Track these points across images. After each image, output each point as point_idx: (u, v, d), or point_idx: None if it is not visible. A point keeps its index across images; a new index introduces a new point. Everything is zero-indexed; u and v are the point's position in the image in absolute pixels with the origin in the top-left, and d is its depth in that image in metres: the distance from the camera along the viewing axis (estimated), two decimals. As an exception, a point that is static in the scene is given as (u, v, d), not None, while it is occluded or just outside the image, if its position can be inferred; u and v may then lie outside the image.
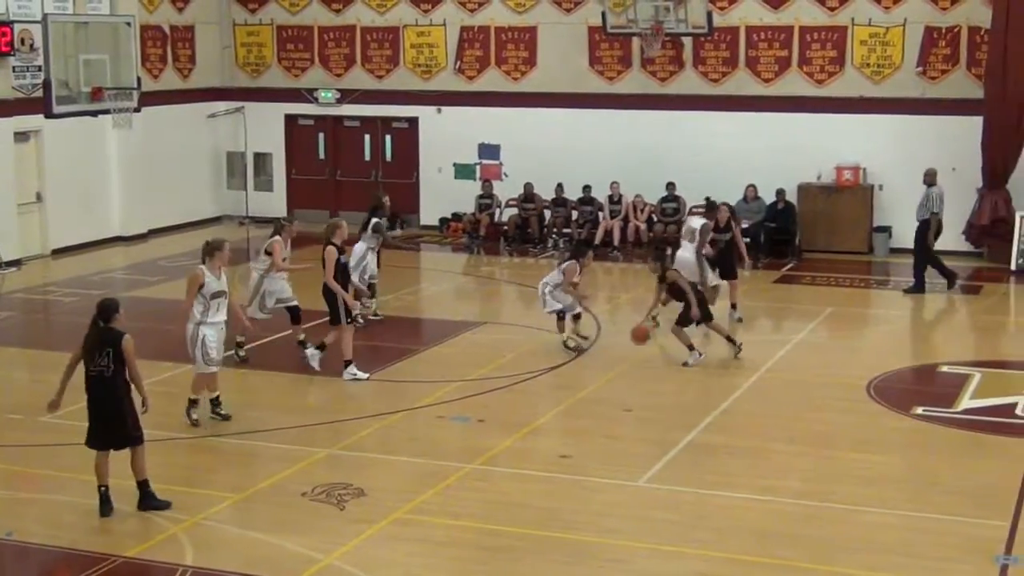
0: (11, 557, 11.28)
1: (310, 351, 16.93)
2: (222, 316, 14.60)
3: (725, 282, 20.00)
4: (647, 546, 11.22)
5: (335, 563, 10.80)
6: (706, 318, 17.64)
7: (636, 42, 27.28)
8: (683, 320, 17.45)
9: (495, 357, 17.69)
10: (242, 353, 17.41)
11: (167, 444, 13.81)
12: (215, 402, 14.78)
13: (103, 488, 11.91)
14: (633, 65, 27.72)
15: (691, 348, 17.37)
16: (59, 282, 23.54)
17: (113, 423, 11.84)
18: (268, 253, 17.41)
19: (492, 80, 28.81)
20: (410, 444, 14.09)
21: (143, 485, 12.01)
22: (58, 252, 26.03)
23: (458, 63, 29.06)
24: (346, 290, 16.48)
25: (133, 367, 11.81)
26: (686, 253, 19.42)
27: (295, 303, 17.58)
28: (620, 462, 13.43)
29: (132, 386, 11.91)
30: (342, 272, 16.52)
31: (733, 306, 20.09)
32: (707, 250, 19.46)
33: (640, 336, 17.39)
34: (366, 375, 16.53)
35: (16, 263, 24.59)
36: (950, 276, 22.40)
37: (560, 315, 18.04)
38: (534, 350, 18.02)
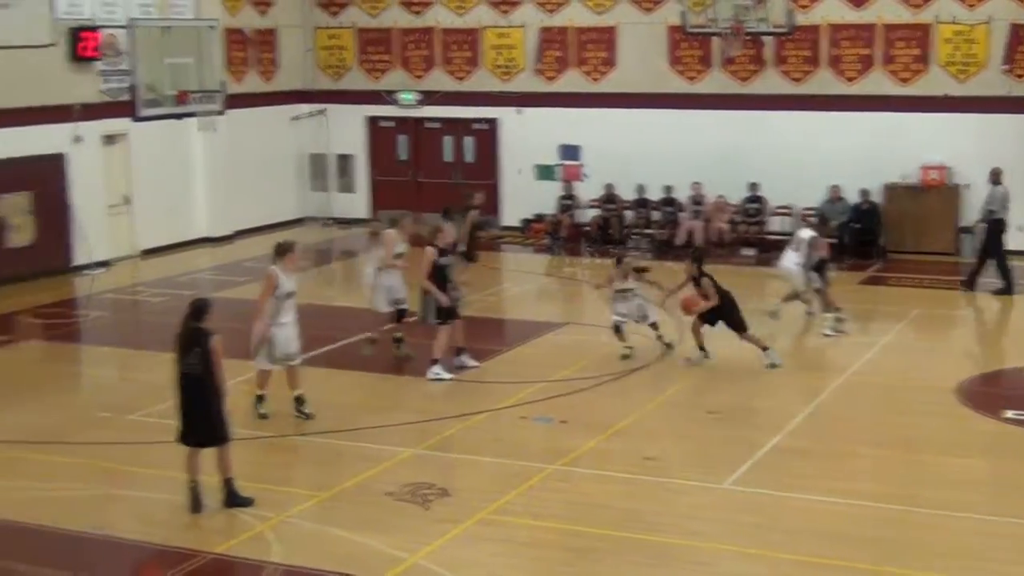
0: (104, 553, 11.48)
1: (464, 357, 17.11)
2: (291, 316, 14.74)
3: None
4: (731, 549, 11.17)
5: (420, 562, 10.87)
6: (739, 328, 17.38)
7: (716, 42, 27.15)
8: (739, 326, 17.33)
9: (578, 358, 17.69)
10: (405, 350, 17.57)
11: (255, 443, 13.97)
12: (299, 400, 14.95)
13: (193, 484, 12.09)
14: (713, 65, 27.60)
15: (702, 348, 17.40)
16: (147, 282, 23.89)
17: (201, 421, 12.02)
18: (384, 245, 17.45)
19: (572, 81, 28.82)
20: (494, 444, 14.14)
21: (227, 483, 12.16)
22: (146, 253, 26.40)
23: (538, 64, 29.09)
24: (444, 292, 16.54)
25: (219, 367, 11.97)
26: (789, 263, 19.39)
27: (405, 306, 17.54)
28: (704, 464, 13.39)
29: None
30: (439, 274, 16.58)
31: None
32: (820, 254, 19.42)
33: (690, 305, 17.41)
34: (449, 375, 16.61)
35: (105, 264, 24.98)
36: (1009, 279, 22.00)
37: (619, 326, 17.81)
38: (617, 351, 17.98)
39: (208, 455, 12.17)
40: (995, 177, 22.10)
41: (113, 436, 14.42)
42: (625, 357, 17.53)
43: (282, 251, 14.80)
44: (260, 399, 14.93)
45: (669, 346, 17.90)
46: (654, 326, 17.89)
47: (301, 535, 11.55)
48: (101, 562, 11.35)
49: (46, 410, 15.76)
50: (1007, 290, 21.94)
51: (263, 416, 14.85)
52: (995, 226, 21.96)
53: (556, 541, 11.41)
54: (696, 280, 17.40)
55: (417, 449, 13.89)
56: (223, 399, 12.07)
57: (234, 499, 12.13)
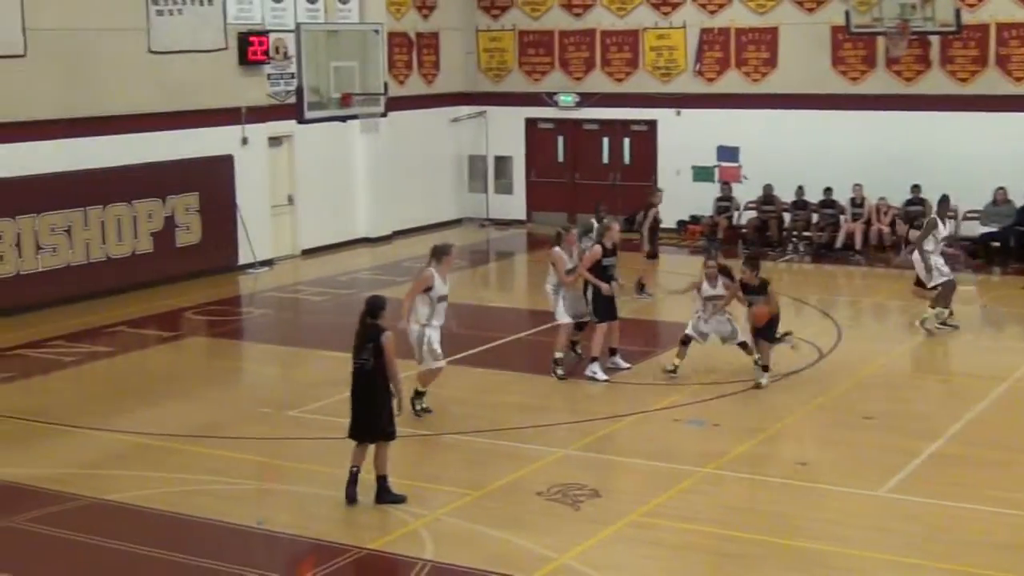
0: (261, 545, 11.76)
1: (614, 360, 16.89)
2: (442, 319, 14.87)
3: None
4: (885, 557, 10.98)
5: (569, 563, 10.90)
6: (772, 339, 16.41)
7: (881, 41, 26.69)
8: (769, 335, 16.36)
9: (731, 361, 17.54)
10: (580, 350, 17.41)
11: (411, 440, 14.17)
12: (419, 395, 15.02)
13: (355, 468, 12.29)
14: (878, 65, 27.12)
15: (766, 369, 16.33)
16: (308, 281, 24.37)
17: (369, 416, 12.21)
18: (554, 265, 17.02)
19: (732, 82, 28.60)
20: (645, 446, 14.12)
21: (381, 480, 12.33)
22: (307, 252, 26.94)
23: (698, 65, 28.93)
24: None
25: (391, 363, 12.14)
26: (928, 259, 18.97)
27: (588, 319, 17.11)
28: (859, 471, 13.19)
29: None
30: (602, 273, 16.57)
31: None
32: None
33: (761, 317, 16.23)
34: (606, 377, 16.62)
35: (268, 263, 25.56)
36: None
37: (685, 340, 16.90)
38: (775, 355, 17.76)
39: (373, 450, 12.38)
40: None
41: (272, 432, 14.77)
42: (670, 373, 16.76)
43: (440, 253, 14.92)
44: (420, 394, 15.05)
45: (765, 369, 16.36)
46: (744, 347, 16.82)
47: (453, 533, 11.68)
48: (257, 555, 11.61)
49: (208, 405, 16.21)
50: None
51: (425, 411, 15.02)
52: None
53: (707, 545, 11.36)
54: (757, 288, 16.36)
55: (568, 450, 13.94)
56: (393, 395, 12.22)
57: (386, 496, 12.30)
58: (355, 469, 12.31)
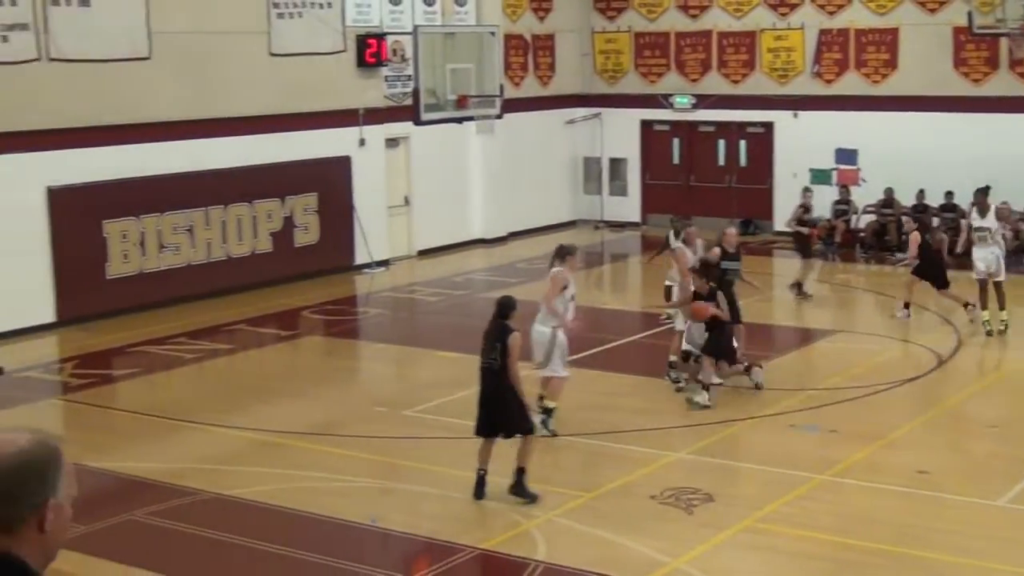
0: (374, 543, 11.88)
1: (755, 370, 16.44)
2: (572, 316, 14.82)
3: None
4: (1006, 569, 10.77)
5: (682, 567, 10.85)
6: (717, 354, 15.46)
7: (1004, 43, 26.15)
8: (714, 349, 15.41)
9: (849, 366, 17.33)
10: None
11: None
12: (548, 412, 14.45)
13: (481, 471, 12.35)
14: (1000, 66, 26.57)
15: (705, 388, 15.36)
16: (423, 282, 24.54)
17: (498, 414, 12.29)
18: (676, 261, 17.09)
19: (851, 83, 28.23)
20: (760, 452, 14.00)
21: (519, 471, 12.33)
22: (423, 253, 27.13)
23: (816, 67, 28.61)
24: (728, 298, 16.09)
25: (513, 364, 12.22)
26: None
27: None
28: (981, 480, 12.94)
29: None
30: (721, 277, 16.39)
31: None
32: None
33: (699, 312, 15.48)
34: (678, 384, 16.28)
35: (385, 263, 25.79)
36: None
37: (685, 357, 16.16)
38: (890, 360, 17.55)
39: (503, 446, 12.40)
40: None
41: (387, 431, 14.89)
42: (676, 383, 16.20)
43: (564, 253, 14.82)
44: (549, 412, 14.37)
45: (704, 388, 15.49)
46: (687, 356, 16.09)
47: (565, 534, 11.68)
48: (370, 553, 11.74)
49: (324, 403, 16.41)
50: None
51: (554, 434, 14.31)
52: None
53: (823, 553, 11.21)
54: (707, 297, 15.51)
55: (682, 453, 13.87)
56: (520, 392, 12.28)
57: (519, 489, 12.30)
58: (482, 472, 12.37)
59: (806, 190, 24.19)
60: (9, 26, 19.45)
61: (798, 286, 21.97)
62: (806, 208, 23.25)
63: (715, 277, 15.66)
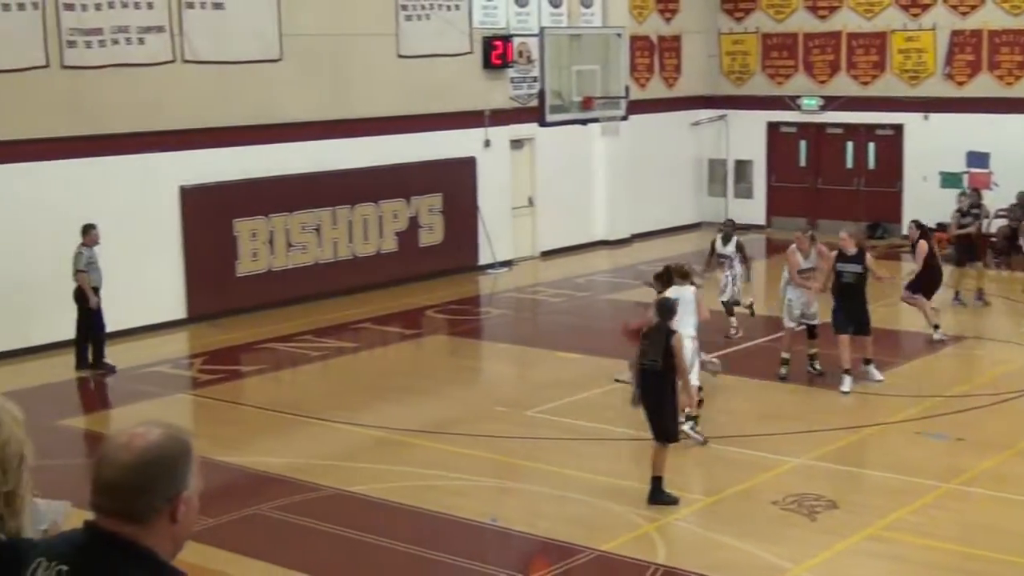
0: (494, 542, 11.95)
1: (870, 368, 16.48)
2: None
3: None
4: None
5: (804, 574, 10.75)
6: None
7: None
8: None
9: (977, 374, 17.01)
10: (818, 367, 17.00)
11: (645, 444, 14.17)
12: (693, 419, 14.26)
13: (656, 479, 12.29)
14: None
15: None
16: (546, 283, 24.58)
17: (652, 415, 12.36)
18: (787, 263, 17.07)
19: (983, 85, 27.64)
20: (885, 459, 13.80)
21: (654, 481, 12.31)
22: (546, 254, 27.18)
23: (948, 68, 28.07)
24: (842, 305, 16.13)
25: (681, 361, 12.29)
26: None
27: (814, 322, 16.74)
28: (1114, 492, 12.61)
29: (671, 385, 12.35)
30: (839, 282, 16.30)
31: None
32: None
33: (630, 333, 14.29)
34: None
35: (508, 263, 25.90)
36: None
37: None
38: (1019, 368, 17.15)
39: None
40: None
41: (508, 430, 14.95)
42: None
43: (684, 274, 14.77)
44: (694, 419, 14.19)
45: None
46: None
47: (685, 538, 11.66)
48: (490, 551, 11.80)
49: (446, 402, 16.54)
50: None
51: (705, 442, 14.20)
52: None
53: (950, 563, 11.01)
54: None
55: (806, 459, 13.71)
56: (682, 393, 12.46)
57: (657, 496, 12.27)
58: (656, 479, 12.32)
59: (962, 194, 23.72)
60: (146, 28, 19.93)
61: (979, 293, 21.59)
62: (962, 212, 22.71)
63: (667, 284, 14.58)
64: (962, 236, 22.35)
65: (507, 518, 12.13)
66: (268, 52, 21.73)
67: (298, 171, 22.12)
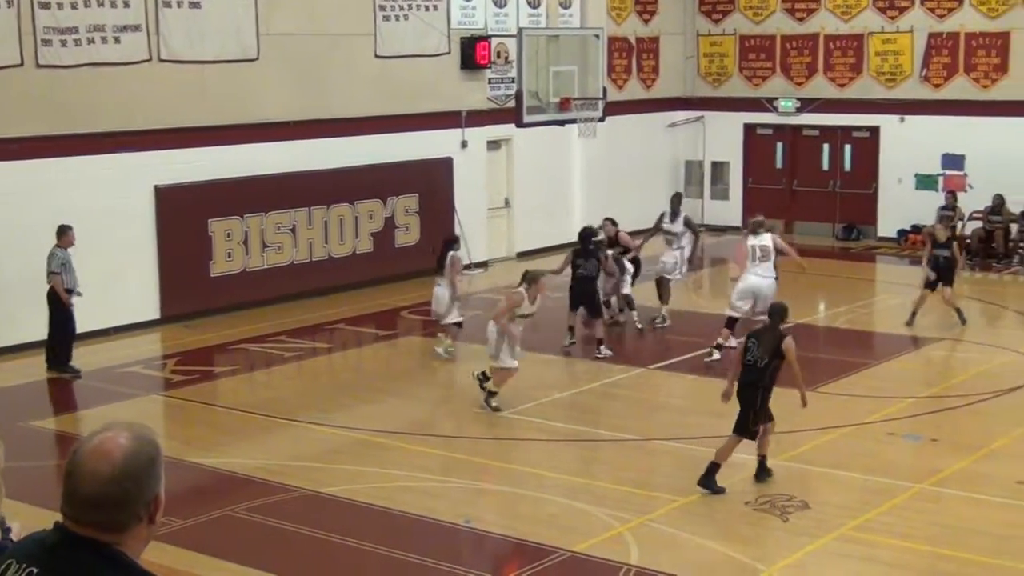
0: (468, 543, 11.93)
1: None
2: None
3: None
4: (1111, 585, 10.54)
5: (776, 575, 10.76)
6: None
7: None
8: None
9: (951, 375, 17.07)
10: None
11: (619, 445, 14.19)
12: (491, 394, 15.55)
13: (713, 465, 12.66)
14: (1117, 71, 26.00)
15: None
16: (522, 284, 24.49)
17: (744, 409, 12.69)
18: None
19: (959, 88, 27.75)
20: (858, 459, 13.82)
21: (761, 459, 12.95)
22: (522, 255, 27.16)
23: (924, 71, 28.17)
24: None
25: (794, 365, 12.67)
26: None
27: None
28: (1084, 493, 12.66)
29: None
30: None
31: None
32: None
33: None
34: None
35: (484, 264, 25.87)
36: None
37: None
38: (993, 369, 17.23)
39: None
40: None
41: (484, 432, 14.95)
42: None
43: (530, 280, 16.11)
44: (492, 395, 15.58)
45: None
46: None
47: (658, 539, 11.64)
48: (463, 553, 11.78)
49: (422, 403, 16.52)
50: None
51: (496, 409, 15.45)
52: None
53: (922, 564, 11.05)
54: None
55: (778, 460, 13.68)
56: (801, 390, 12.87)
57: (761, 474, 12.89)
58: (713, 465, 12.69)
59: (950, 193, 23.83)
60: (122, 27, 19.84)
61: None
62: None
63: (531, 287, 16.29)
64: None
65: (481, 519, 12.12)
66: (245, 52, 21.66)
67: (274, 171, 22.06)
